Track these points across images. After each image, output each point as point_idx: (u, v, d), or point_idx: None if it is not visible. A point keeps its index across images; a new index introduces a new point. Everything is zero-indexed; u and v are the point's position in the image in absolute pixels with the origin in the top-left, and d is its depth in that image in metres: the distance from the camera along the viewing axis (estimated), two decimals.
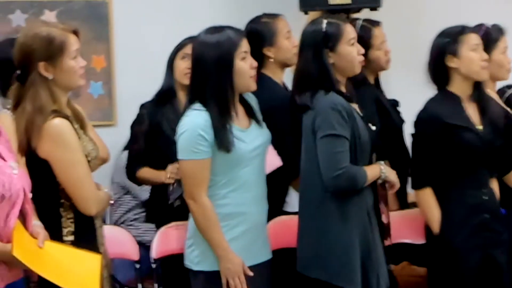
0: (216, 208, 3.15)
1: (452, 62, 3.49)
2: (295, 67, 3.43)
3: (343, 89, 3.33)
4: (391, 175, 3.36)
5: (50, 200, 2.93)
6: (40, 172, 2.88)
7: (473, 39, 3.52)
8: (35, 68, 2.89)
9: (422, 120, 3.53)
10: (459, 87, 3.53)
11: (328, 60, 3.25)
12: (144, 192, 4.25)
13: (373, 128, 3.39)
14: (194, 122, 3.12)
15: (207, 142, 3.09)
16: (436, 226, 3.51)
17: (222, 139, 3.10)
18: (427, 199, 3.51)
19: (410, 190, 4.18)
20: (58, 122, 2.86)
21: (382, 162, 3.38)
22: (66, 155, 2.88)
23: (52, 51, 2.89)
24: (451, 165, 3.48)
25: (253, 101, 3.34)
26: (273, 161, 3.47)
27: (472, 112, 3.55)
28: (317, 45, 3.24)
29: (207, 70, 3.11)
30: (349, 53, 3.28)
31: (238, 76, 3.14)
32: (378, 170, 3.31)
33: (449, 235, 3.49)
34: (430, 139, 3.46)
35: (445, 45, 3.51)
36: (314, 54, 3.25)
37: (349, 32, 3.31)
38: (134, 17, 4.84)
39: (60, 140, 2.87)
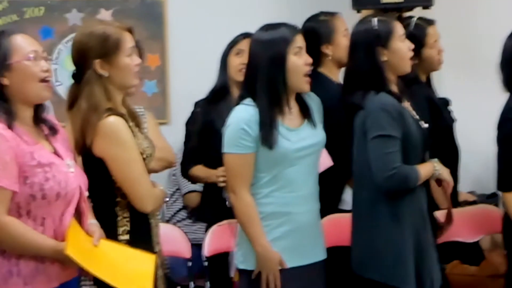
0: (258, 207, 3.13)
1: None
2: (346, 66, 3.40)
3: (394, 88, 3.28)
4: (445, 173, 3.29)
5: (106, 199, 2.91)
6: (96, 170, 2.86)
7: None
8: (90, 66, 2.87)
9: (509, 120, 3.38)
10: None
11: (381, 57, 3.21)
12: (186, 186, 4.27)
13: (425, 125, 3.31)
14: (239, 117, 3.11)
15: (250, 137, 3.08)
16: None
17: (266, 136, 3.07)
18: None
19: (460, 189, 4.13)
20: (113, 120, 2.84)
21: (436, 160, 3.30)
22: (122, 153, 2.86)
23: (108, 48, 2.88)
24: None
25: (313, 101, 3.30)
26: (325, 161, 3.43)
27: None
28: (369, 43, 3.21)
29: (260, 65, 3.11)
30: (401, 49, 3.24)
31: (291, 72, 3.11)
32: (431, 168, 3.25)
33: None
34: None
35: None
36: (367, 53, 3.21)
37: (399, 28, 3.28)
38: (189, 16, 4.81)
39: (115, 138, 2.85)
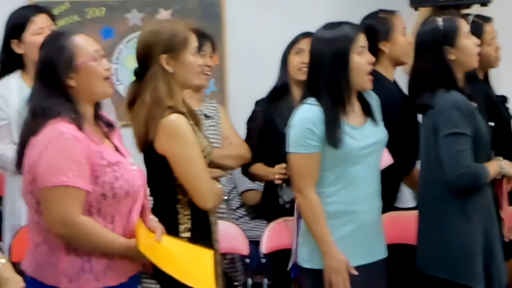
0: (324, 206, 3.09)
1: None
2: (411, 67, 3.35)
3: (463, 86, 3.25)
4: (511, 170, 3.27)
5: (167, 196, 2.93)
6: (158, 167, 2.89)
7: None
8: (156, 60, 2.88)
9: None
10: None
11: (449, 56, 3.18)
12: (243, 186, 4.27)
13: (492, 124, 3.31)
14: (304, 116, 3.09)
15: (316, 137, 3.05)
16: None
17: (331, 134, 3.04)
18: None
19: None
20: (175, 118, 2.85)
21: (500, 158, 3.27)
22: (184, 150, 2.87)
23: (175, 44, 2.90)
24: None
25: (373, 99, 3.27)
26: (385, 158, 3.38)
27: None
28: (436, 43, 3.19)
29: (323, 65, 3.08)
30: (468, 46, 3.23)
31: (354, 71, 3.08)
32: (498, 166, 3.23)
33: None
34: None
35: None
36: (434, 53, 3.19)
37: (464, 25, 3.26)
38: (246, 15, 4.80)
39: (177, 135, 2.86)
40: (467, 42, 3.22)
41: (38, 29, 3.47)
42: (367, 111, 3.21)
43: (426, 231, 3.25)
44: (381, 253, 3.25)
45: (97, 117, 2.76)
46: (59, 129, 2.58)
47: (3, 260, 2.56)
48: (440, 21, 3.21)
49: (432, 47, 3.19)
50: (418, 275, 3.26)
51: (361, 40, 3.11)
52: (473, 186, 3.14)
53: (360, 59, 3.09)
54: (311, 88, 3.12)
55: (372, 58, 3.18)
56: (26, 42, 3.47)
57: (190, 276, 2.75)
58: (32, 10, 3.60)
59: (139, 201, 2.75)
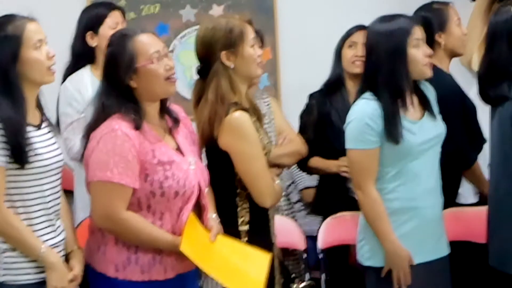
0: (385, 203, 3.02)
1: None
2: (483, 58, 3.23)
3: None
4: None
5: (227, 189, 2.92)
6: (220, 162, 2.88)
7: None
8: (217, 58, 2.88)
9: None
10: None
11: None
12: (301, 183, 4.20)
13: None
14: (362, 111, 3.02)
15: (374, 132, 2.98)
16: None
17: (391, 130, 2.97)
18: None
19: None
20: (238, 115, 2.84)
21: None
22: (246, 148, 2.86)
23: (233, 39, 2.89)
24: None
25: (430, 92, 3.18)
26: None
27: None
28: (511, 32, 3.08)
29: (380, 59, 3.02)
30: None
31: (412, 64, 3.02)
32: None
33: None
34: None
35: None
36: (510, 43, 3.06)
37: None
38: (299, 9, 4.70)
39: (240, 133, 2.85)
40: None
41: (114, 24, 3.58)
42: (424, 104, 3.14)
43: (501, 227, 3.11)
44: (444, 250, 3.16)
45: (165, 112, 2.79)
46: (112, 126, 2.62)
47: (75, 247, 2.72)
48: None
49: (508, 37, 3.07)
50: (490, 272, 3.15)
51: (417, 33, 3.04)
52: None
53: (417, 52, 3.02)
54: (368, 83, 3.06)
55: (429, 51, 3.10)
56: (103, 35, 3.51)
57: (235, 280, 2.73)
58: (108, 6, 3.70)
59: (192, 200, 2.73)
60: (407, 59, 2.99)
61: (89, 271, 2.70)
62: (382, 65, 3.00)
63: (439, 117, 3.16)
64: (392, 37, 3.00)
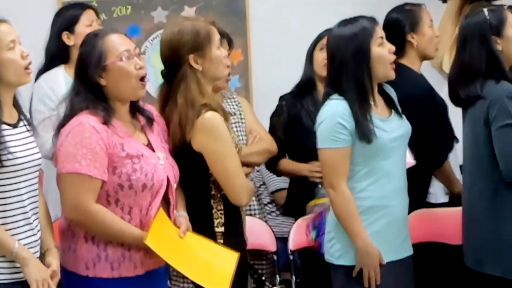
0: (356, 201, 2.97)
1: None
2: (454, 59, 3.22)
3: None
4: None
5: (201, 191, 2.88)
6: (193, 164, 2.84)
7: None
8: (185, 61, 2.85)
9: None
10: None
11: (497, 47, 3.07)
12: (273, 185, 4.15)
13: None
14: (333, 111, 2.98)
15: (346, 131, 2.94)
16: None
17: (363, 129, 2.94)
18: None
19: None
20: (210, 116, 2.81)
21: None
22: (220, 147, 2.82)
23: (200, 42, 2.86)
24: None
25: (392, 93, 3.16)
26: (408, 159, 3.26)
27: None
28: (483, 34, 3.07)
29: (344, 61, 2.98)
30: None
31: (377, 63, 2.98)
32: None
33: None
34: None
35: None
36: (481, 44, 3.07)
37: (510, 16, 3.14)
38: (270, 11, 4.70)
39: (214, 133, 2.82)
40: None
41: (89, 21, 3.60)
42: (389, 104, 3.12)
43: (476, 227, 3.10)
44: (410, 250, 3.13)
45: (136, 111, 2.78)
46: (80, 120, 2.61)
47: (52, 246, 2.66)
48: (485, 11, 3.11)
49: (480, 38, 3.06)
50: (464, 274, 3.14)
51: (379, 32, 3.03)
52: None
53: (382, 50, 2.99)
54: (334, 85, 3.03)
55: (392, 47, 3.06)
56: (79, 33, 3.52)
57: (202, 276, 2.71)
58: (81, 6, 3.74)
59: (160, 195, 2.71)
60: (370, 59, 2.96)
61: (61, 271, 2.67)
62: (347, 66, 2.97)
63: (404, 116, 3.13)
64: (355, 39, 2.97)
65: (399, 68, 3.35)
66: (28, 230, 2.58)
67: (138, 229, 2.64)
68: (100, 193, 2.62)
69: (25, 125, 2.66)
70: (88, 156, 2.57)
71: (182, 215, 2.78)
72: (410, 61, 3.61)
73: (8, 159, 2.50)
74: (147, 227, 2.64)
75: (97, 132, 2.59)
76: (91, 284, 2.64)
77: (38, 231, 2.63)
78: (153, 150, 2.72)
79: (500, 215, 3.01)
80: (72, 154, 2.58)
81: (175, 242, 2.70)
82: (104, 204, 2.63)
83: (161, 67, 2.92)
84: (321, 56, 3.64)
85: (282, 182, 4.14)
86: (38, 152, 2.66)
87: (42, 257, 2.65)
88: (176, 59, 2.85)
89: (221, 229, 2.85)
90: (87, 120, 2.60)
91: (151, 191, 2.67)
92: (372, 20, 3.05)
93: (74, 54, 3.42)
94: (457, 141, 3.57)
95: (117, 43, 2.68)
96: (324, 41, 3.60)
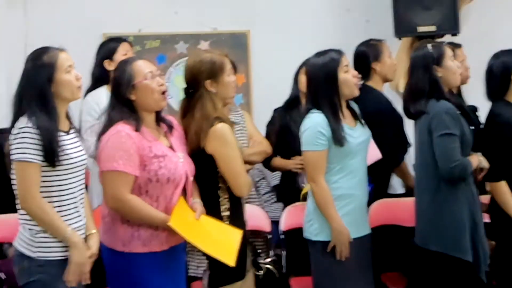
0: (331, 191, 3.00)
1: None
2: (406, 83, 3.19)
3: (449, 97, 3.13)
4: (485, 163, 3.11)
5: (211, 185, 2.86)
6: (206, 164, 2.82)
7: None
8: (202, 85, 2.85)
9: (499, 124, 3.17)
10: None
11: (437, 74, 3.06)
12: (274, 180, 4.08)
13: (472, 127, 3.15)
14: (315, 122, 3.00)
15: (324, 137, 2.97)
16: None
17: (337, 135, 2.97)
18: (504, 190, 3.15)
19: None
20: (221, 126, 2.81)
21: (480, 154, 3.10)
22: (228, 151, 2.82)
23: (215, 71, 2.86)
24: None
25: (355, 107, 3.19)
26: (375, 154, 3.28)
27: None
28: (427, 63, 3.07)
29: (318, 84, 3.02)
30: (452, 67, 3.10)
31: (344, 85, 3.02)
32: (477, 160, 3.08)
33: None
34: (506, 141, 3.13)
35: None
36: (425, 71, 3.06)
37: (449, 50, 3.13)
38: (267, 44, 4.67)
39: (223, 140, 2.81)
40: (451, 63, 3.10)
41: (124, 51, 3.62)
42: (355, 116, 3.15)
43: (423, 214, 3.08)
44: (368, 229, 3.15)
45: (160, 120, 2.77)
46: (117, 129, 2.64)
47: (94, 231, 2.66)
48: (429, 46, 3.11)
49: (424, 67, 3.06)
50: (414, 251, 3.10)
51: (344, 61, 3.04)
52: (462, 176, 2.99)
53: (347, 75, 3.02)
54: (313, 102, 3.05)
55: (355, 72, 3.10)
56: (116, 61, 3.50)
57: (213, 249, 2.70)
58: (118, 40, 3.75)
59: (180, 186, 2.71)
60: (338, 82, 2.98)
61: (102, 248, 2.68)
62: (321, 89, 2.99)
63: (366, 125, 3.15)
64: (325, 67, 3.00)
65: (367, 89, 3.54)
66: (77, 217, 2.58)
67: (163, 214, 2.63)
68: (134, 186, 2.61)
69: (74, 132, 2.66)
70: (124, 157, 2.58)
71: (197, 202, 2.77)
72: (374, 83, 3.65)
73: (64, 159, 2.51)
74: (170, 211, 2.63)
75: (131, 138, 2.60)
76: (126, 258, 2.64)
77: (84, 217, 2.63)
78: (174, 151, 2.71)
79: (441, 205, 3.00)
80: (111, 156, 2.58)
81: (192, 223, 2.69)
82: (136, 194, 2.62)
83: (182, 87, 2.92)
84: (304, 78, 3.61)
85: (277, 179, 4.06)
86: (84, 154, 2.65)
87: (85, 239, 2.64)
88: (195, 82, 2.85)
89: (227, 213, 2.85)
90: (122, 129, 2.60)
91: (173, 183, 2.66)
92: (339, 52, 3.06)
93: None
94: (410, 145, 3.56)
95: (142, 66, 2.69)
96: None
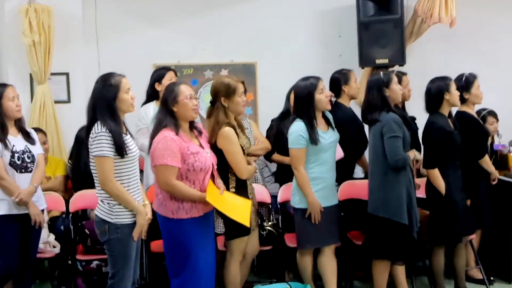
0: (308, 175, 3.04)
1: (446, 96, 3.22)
2: (364, 99, 3.21)
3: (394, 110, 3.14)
4: (419, 156, 3.21)
5: (224, 169, 2.88)
6: (219, 155, 2.84)
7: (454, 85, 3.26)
8: (219, 100, 2.86)
9: (434, 129, 3.23)
10: (446, 110, 3.27)
11: (386, 93, 3.09)
12: (273, 167, 4.08)
13: (410, 132, 3.21)
14: (297, 127, 3.03)
15: (304, 139, 3.00)
16: (443, 190, 3.21)
17: (312, 137, 2.99)
18: (437, 174, 3.20)
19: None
20: (227, 129, 2.82)
21: (415, 150, 3.17)
22: (231, 147, 2.83)
23: (229, 92, 2.86)
24: (448, 153, 3.20)
25: (329, 116, 3.20)
26: (339, 153, 3.31)
27: (450, 124, 3.28)
28: (379, 86, 3.10)
29: (301, 101, 3.04)
30: (396, 89, 3.13)
31: (318, 103, 3.04)
32: (413, 154, 3.14)
33: (449, 193, 3.21)
34: (439, 141, 3.19)
35: (444, 86, 3.21)
36: (378, 91, 3.10)
37: (395, 77, 3.17)
38: (269, 72, 4.64)
39: (228, 139, 2.81)
40: (396, 86, 3.12)
41: (170, 77, 3.54)
42: (327, 122, 3.15)
43: (374, 190, 3.12)
44: (336, 200, 3.18)
45: (192, 127, 2.75)
46: (164, 134, 2.62)
47: (147, 202, 2.63)
48: (381, 73, 3.13)
49: (377, 88, 3.09)
50: (369, 217, 3.14)
51: (321, 85, 3.04)
52: (403, 165, 3.02)
53: (321, 96, 3.04)
54: (297, 113, 3.07)
55: (329, 93, 3.14)
56: (164, 84, 3.47)
57: (236, 215, 2.72)
58: (166, 69, 3.66)
59: (209, 173, 2.73)
60: (314, 101, 3.01)
61: (157, 216, 2.69)
62: (302, 104, 3.03)
63: (335, 129, 3.17)
64: (306, 89, 3.03)
65: (338, 104, 3.60)
66: (138, 192, 2.59)
67: (199, 192, 2.66)
68: (178, 175, 2.62)
69: (128, 134, 2.62)
70: (171, 155, 2.57)
71: (220, 182, 2.81)
72: (343, 100, 3.64)
73: (128, 152, 2.52)
74: (203, 190, 2.66)
75: (174, 141, 2.59)
76: (175, 222, 2.65)
77: (141, 193, 2.63)
78: (203, 148, 2.72)
79: (387, 185, 3.04)
80: (162, 154, 2.58)
81: (219, 197, 2.72)
82: (180, 179, 2.63)
83: (208, 101, 2.93)
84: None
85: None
86: (137, 149, 2.62)
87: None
88: (215, 97, 2.88)
89: (233, 189, 2.87)
90: (168, 134, 2.60)
91: (204, 171, 2.68)
92: (317, 78, 3.05)
93: (161, 95, 3.46)
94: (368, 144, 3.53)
95: (184, 89, 2.69)
96: None
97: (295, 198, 3.12)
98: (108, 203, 2.51)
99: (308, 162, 3.05)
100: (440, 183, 3.16)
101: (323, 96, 3.06)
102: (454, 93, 3.22)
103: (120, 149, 2.47)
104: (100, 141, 2.45)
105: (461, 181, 3.24)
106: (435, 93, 3.22)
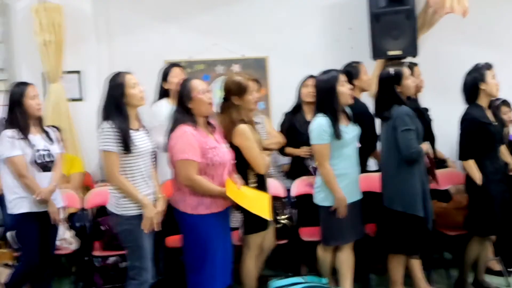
0: (333, 171, 3.02)
1: (482, 86, 3.16)
2: (376, 94, 3.20)
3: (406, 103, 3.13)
4: (430, 150, 3.22)
5: (243, 165, 2.89)
6: (237, 152, 2.85)
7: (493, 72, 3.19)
8: (231, 98, 2.87)
9: (467, 120, 3.17)
10: (484, 101, 3.19)
11: (397, 89, 3.09)
12: (283, 160, 4.11)
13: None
14: (321, 122, 3.01)
15: (327, 134, 2.98)
16: (479, 181, 3.17)
17: (336, 132, 2.97)
18: (471, 164, 3.16)
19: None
20: (242, 126, 2.84)
21: (427, 142, 3.18)
22: (248, 144, 2.85)
23: (240, 90, 2.86)
24: (483, 145, 3.17)
25: (349, 111, 3.19)
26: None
27: (490, 115, 3.21)
28: (389, 82, 3.10)
29: (323, 95, 3.01)
30: (408, 84, 3.12)
31: (341, 96, 3.02)
32: (426, 147, 3.14)
33: (487, 185, 3.17)
34: (471, 133, 3.15)
35: (479, 77, 3.16)
36: (388, 90, 3.10)
37: (407, 71, 3.14)
38: (281, 67, 4.65)
39: (244, 136, 2.83)
40: (408, 82, 3.10)
41: (176, 74, 3.52)
42: (348, 117, 3.15)
43: (388, 183, 3.13)
44: (360, 195, 3.19)
45: (208, 123, 2.76)
46: (183, 129, 2.64)
47: (160, 195, 2.65)
48: (392, 69, 3.11)
49: (387, 84, 3.09)
50: (383, 210, 3.14)
51: (342, 78, 3.03)
52: (417, 158, 3.02)
53: (343, 88, 3.01)
54: (319, 109, 3.04)
55: (350, 87, 3.09)
56: (169, 81, 3.51)
57: (256, 208, 2.73)
58: (172, 65, 3.64)
59: (227, 167, 2.74)
60: (337, 94, 2.99)
61: (175, 211, 2.68)
62: (325, 98, 3.01)
63: (356, 124, 3.16)
64: (328, 82, 3.01)
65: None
66: (145, 187, 2.61)
67: (219, 187, 2.66)
68: (198, 169, 2.62)
69: (143, 130, 2.65)
70: (191, 150, 2.59)
71: (238, 177, 2.81)
72: (355, 94, 3.50)
73: (134, 148, 2.55)
74: (222, 185, 2.66)
75: (194, 136, 2.61)
76: (195, 218, 2.65)
77: (153, 186, 2.66)
78: (219, 143, 2.73)
79: (401, 177, 3.04)
80: (182, 149, 2.59)
81: (237, 192, 2.72)
82: (200, 174, 2.63)
83: (220, 97, 2.93)
84: (305, 91, 3.67)
85: (285, 160, 4.01)
86: (151, 144, 2.63)
87: (155, 201, 2.65)
88: (227, 95, 2.88)
89: (254, 184, 2.90)
90: (187, 129, 2.62)
91: (223, 166, 2.68)
92: (339, 71, 3.06)
93: (171, 92, 3.49)
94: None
95: (198, 84, 2.70)
96: (307, 82, 3.68)
97: (320, 195, 3.10)
98: (115, 196, 2.57)
99: (332, 158, 3.03)
100: (475, 175, 3.12)
101: (346, 88, 3.04)
102: (490, 83, 3.14)
103: (125, 144, 2.50)
104: (106, 136, 2.50)
105: (502, 172, 3.20)
106: (470, 85, 3.18)
